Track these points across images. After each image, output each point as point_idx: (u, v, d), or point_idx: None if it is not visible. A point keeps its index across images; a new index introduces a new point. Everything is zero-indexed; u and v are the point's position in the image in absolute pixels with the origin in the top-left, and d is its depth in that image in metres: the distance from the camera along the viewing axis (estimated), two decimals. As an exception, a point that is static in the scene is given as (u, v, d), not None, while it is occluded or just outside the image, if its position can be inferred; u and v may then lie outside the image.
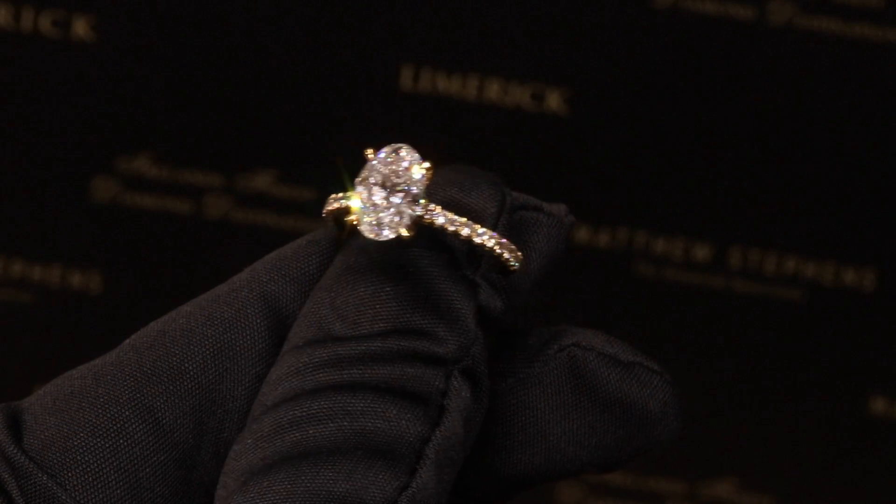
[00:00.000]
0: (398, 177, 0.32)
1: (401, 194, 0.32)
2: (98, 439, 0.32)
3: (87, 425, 0.33)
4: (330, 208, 0.34)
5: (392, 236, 0.32)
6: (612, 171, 0.82)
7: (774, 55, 0.81)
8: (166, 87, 0.82)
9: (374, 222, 0.32)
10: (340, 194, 0.33)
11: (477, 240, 0.32)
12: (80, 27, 0.81)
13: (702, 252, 0.84)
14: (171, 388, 0.33)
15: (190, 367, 0.33)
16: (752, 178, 0.83)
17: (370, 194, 0.32)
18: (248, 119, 0.82)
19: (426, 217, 0.32)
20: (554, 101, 0.82)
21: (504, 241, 0.33)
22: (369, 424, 0.31)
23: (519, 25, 0.81)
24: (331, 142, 0.82)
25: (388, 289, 0.32)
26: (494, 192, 0.34)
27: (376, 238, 0.32)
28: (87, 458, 0.32)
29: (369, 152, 0.33)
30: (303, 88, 0.82)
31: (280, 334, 0.34)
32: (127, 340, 0.34)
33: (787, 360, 0.85)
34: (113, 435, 0.32)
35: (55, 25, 0.81)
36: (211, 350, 0.33)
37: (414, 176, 0.32)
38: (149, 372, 0.33)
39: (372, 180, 0.32)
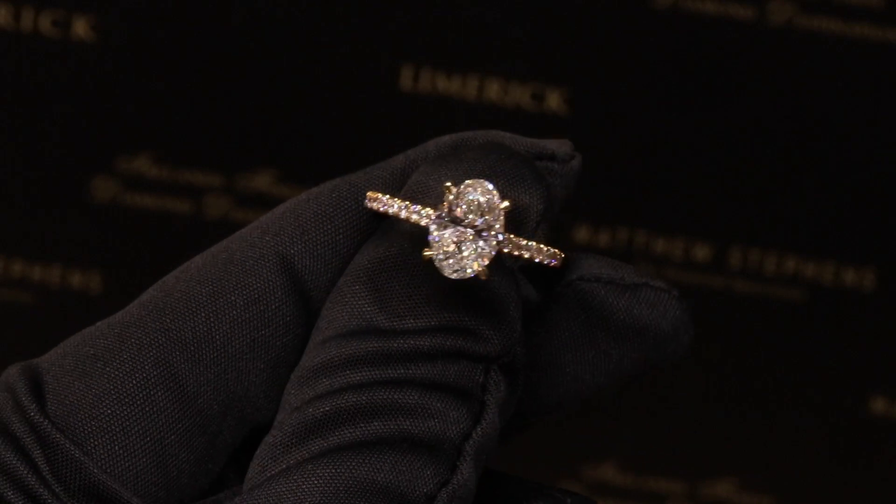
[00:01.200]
0: (477, 214, 0.32)
1: (481, 235, 0.32)
2: (125, 407, 0.32)
3: (113, 392, 0.32)
4: (388, 211, 0.33)
5: (469, 275, 0.32)
6: (612, 171, 0.82)
7: (774, 55, 0.81)
8: (166, 87, 0.82)
9: (453, 263, 0.32)
10: (404, 203, 0.33)
11: (538, 259, 0.33)
12: (80, 27, 0.81)
13: (702, 252, 0.84)
14: (196, 355, 0.33)
15: (217, 336, 0.33)
16: (752, 178, 0.83)
17: (448, 232, 0.32)
18: (248, 119, 0.82)
19: (502, 248, 0.32)
20: (554, 101, 0.82)
21: (555, 252, 0.33)
22: (415, 421, 0.31)
23: (519, 25, 0.81)
24: (331, 142, 0.82)
25: (434, 281, 0.32)
26: (539, 189, 0.33)
27: (455, 277, 0.32)
28: (114, 427, 0.32)
29: (448, 184, 0.32)
30: (303, 88, 0.82)
31: (303, 304, 0.33)
32: (147, 294, 0.34)
33: (787, 360, 0.85)
34: (139, 402, 0.32)
35: (55, 25, 0.81)
36: (238, 319, 0.33)
37: (495, 215, 0.32)
38: (174, 338, 0.33)
39: (451, 216, 0.32)
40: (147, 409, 0.32)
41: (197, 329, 0.33)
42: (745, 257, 0.84)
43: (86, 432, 0.32)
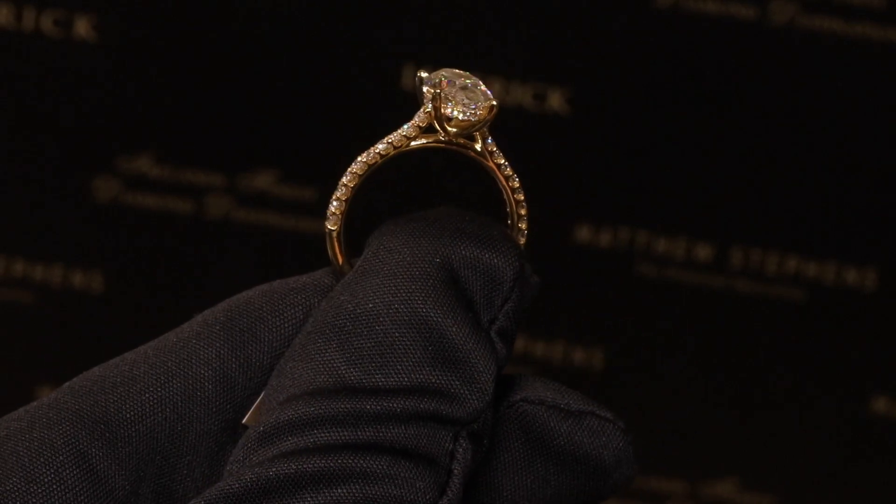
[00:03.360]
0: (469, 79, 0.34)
1: (477, 88, 0.34)
2: (32, 485, 0.32)
3: (20, 470, 0.32)
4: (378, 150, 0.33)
5: (482, 115, 0.33)
6: (614, 170, 0.82)
7: (776, 55, 0.81)
8: (167, 87, 0.82)
9: (460, 104, 0.33)
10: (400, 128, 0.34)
11: (518, 196, 0.34)
12: (82, 27, 0.81)
13: (703, 252, 0.84)
14: (107, 434, 0.32)
15: (128, 414, 0.32)
16: (754, 177, 0.83)
17: (453, 85, 0.34)
18: (248, 119, 0.82)
19: (491, 155, 0.34)
20: (555, 100, 0.82)
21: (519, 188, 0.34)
22: (382, 489, 0.30)
23: (519, 25, 0.81)
24: (331, 142, 0.82)
25: (409, 340, 0.31)
26: (511, 248, 0.33)
27: (467, 118, 0.33)
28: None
29: (421, 74, 0.34)
30: (303, 88, 0.82)
31: (225, 390, 0.33)
32: (67, 383, 0.34)
33: (788, 360, 0.85)
34: (46, 481, 0.32)
35: (57, 25, 0.81)
36: (150, 398, 0.32)
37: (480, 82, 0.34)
38: (85, 417, 0.32)
39: (448, 82, 0.34)
40: (55, 487, 0.32)
41: (108, 408, 0.32)
42: (746, 257, 0.84)
43: None
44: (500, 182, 0.34)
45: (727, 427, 0.86)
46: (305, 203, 0.83)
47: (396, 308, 0.32)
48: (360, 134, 0.82)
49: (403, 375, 0.31)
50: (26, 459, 0.32)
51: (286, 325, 0.33)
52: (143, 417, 0.32)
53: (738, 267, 0.84)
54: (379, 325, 0.32)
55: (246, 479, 0.31)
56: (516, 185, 0.34)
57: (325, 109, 0.82)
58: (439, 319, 0.32)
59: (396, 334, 0.32)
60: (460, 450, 0.31)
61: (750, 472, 0.86)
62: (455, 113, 0.33)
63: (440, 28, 0.81)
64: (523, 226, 0.34)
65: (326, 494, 0.30)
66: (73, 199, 0.82)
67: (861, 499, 0.86)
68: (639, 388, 0.85)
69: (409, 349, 0.31)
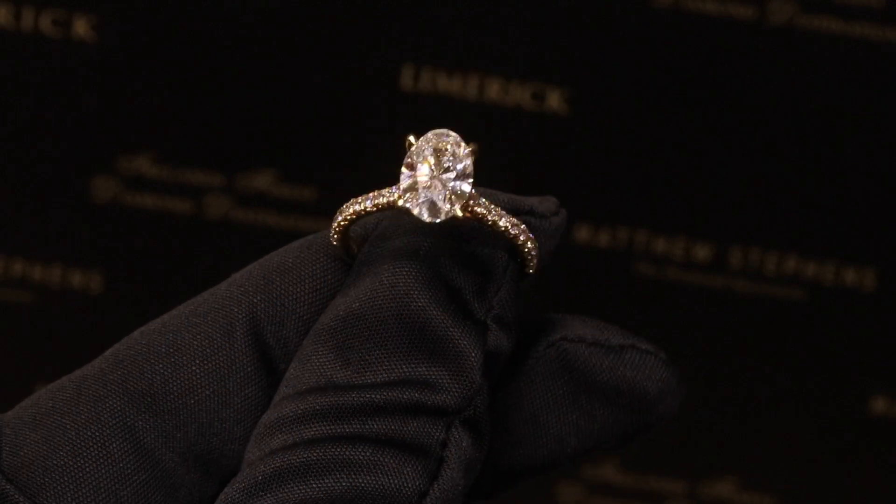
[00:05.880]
0: (446, 155, 0.32)
1: (451, 173, 0.32)
2: (78, 460, 0.32)
3: (67, 445, 0.32)
4: (362, 208, 0.33)
5: (446, 217, 0.32)
6: (613, 170, 0.82)
7: (775, 55, 0.81)
8: (166, 87, 0.82)
9: (426, 202, 0.32)
10: (373, 193, 0.33)
11: (513, 231, 0.32)
12: (81, 27, 0.81)
13: (702, 252, 0.84)
14: (154, 407, 0.32)
15: (174, 388, 0.32)
16: (753, 177, 0.83)
17: (421, 177, 0.32)
18: (248, 119, 0.82)
19: (471, 205, 0.32)
20: (554, 100, 0.82)
21: (519, 224, 0.33)
22: (367, 479, 0.31)
23: (519, 25, 0.81)
24: (331, 142, 0.82)
25: (395, 335, 0.32)
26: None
27: (430, 219, 0.32)
28: (66, 480, 0.32)
29: (411, 138, 0.32)
30: (303, 88, 0.82)
31: (265, 357, 0.33)
32: (111, 349, 0.34)
33: (788, 360, 0.85)
34: (94, 455, 0.32)
35: (56, 25, 0.81)
36: (197, 371, 0.33)
37: (461, 153, 0.32)
38: (132, 390, 0.32)
39: (419, 160, 0.32)
40: (102, 461, 0.32)
41: (154, 381, 0.32)
42: (745, 257, 0.84)
43: (38, 485, 0.32)
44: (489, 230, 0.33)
45: (726, 427, 0.86)
46: (304, 203, 0.83)
47: (381, 305, 0.32)
48: (359, 134, 0.82)
49: (389, 369, 0.31)
50: (73, 433, 0.32)
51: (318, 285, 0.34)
52: (191, 391, 0.32)
53: (738, 267, 0.84)
54: (365, 324, 0.32)
55: (238, 483, 0.31)
56: (498, 226, 0.33)
57: (324, 109, 0.82)
58: (424, 313, 0.32)
59: (382, 330, 0.32)
60: (453, 439, 0.31)
61: (749, 472, 0.86)
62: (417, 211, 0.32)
63: (440, 28, 0.81)
64: (529, 256, 0.33)
65: (313, 485, 0.30)
66: (72, 199, 0.82)
67: (861, 499, 0.86)
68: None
69: (395, 343, 0.32)
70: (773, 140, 0.82)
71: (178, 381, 0.32)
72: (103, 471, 0.32)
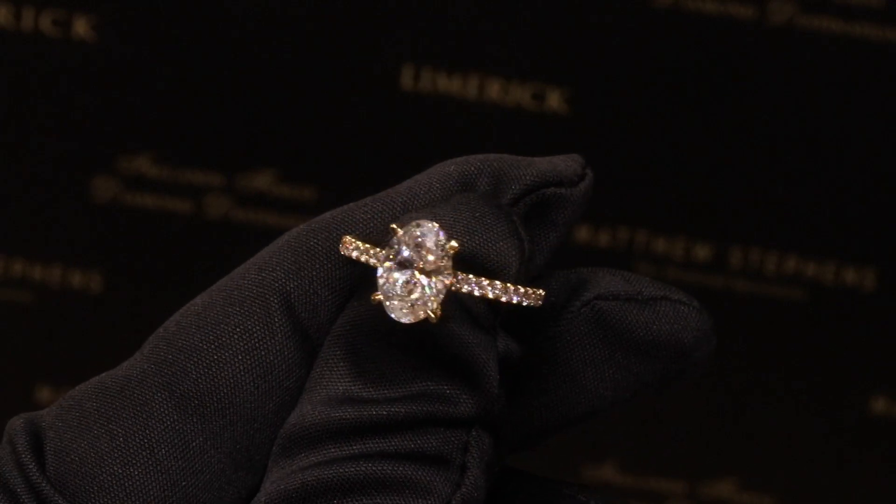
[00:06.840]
0: (424, 255, 0.31)
1: (429, 277, 0.31)
2: (127, 468, 0.32)
3: (115, 452, 0.32)
4: (351, 255, 0.33)
5: (421, 318, 0.31)
6: (613, 170, 0.82)
7: (775, 55, 0.81)
8: (166, 87, 0.82)
9: (402, 306, 0.31)
10: (364, 246, 0.32)
11: (504, 298, 0.32)
12: (81, 27, 0.81)
13: (702, 252, 0.84)
14: (200, 409, 0.32)
15: (220, 388, 0.32)
16: (753, 177, 0.83)
17: (396, 274, 0.31)
18: (248, 119, 0.82)
19: (454, 287, 0.31)
20: (554, 100, 0.82)
21: (527, 291, 0.32)
22: (391, 496, 0.30)
23: (519, 25, 0.81)
24: (331, 142, 0.82)
25: (410, 349, 0.31)
26: (513, 241, 0.33)
27: (406, 321, 0.31)
28: (115, 488, 0.31)
29: (394, 226, 0.31)
30: (303, 88, 0.82)
31: (303, 343, 0.33)
32: (149, 346, 0.33)
33: (788, 360, 0.85)
34: (142, 463, 0.32)
35: (56, 25, 0.81)
36: (240, 368, 0.32)
37: (440, 254, 0.31)
38: (178, 393, 0.32)
39: (398, 258, 0.31)
40: (151, 469, 0.32)
41: (200, 382, 0.32)
42: (745, 257, 0.84)
43: (86, 494, 0.31)
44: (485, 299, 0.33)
45: (726, 427, 0.86)
46: (304, 203, 0.83)
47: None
48: (359, 134, 0.82)
49: (405, 384, 0.31)
50: (121, 440, 0.32)
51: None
52: (236, 389, 0.32)
53: (738, 267, 0.84)
54: (380, 334, 0.32)
55: (263, 500, 0.31)
56: (489, 296, 0.32)
57: (324, 109, 0.82)
58: (438, 325, 0.32)
59: (396, 342, 0.32)
60: (474, 442, 0.31)
61: (749, 472, 0.86)
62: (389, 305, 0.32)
63: (440, 28, 0.81)
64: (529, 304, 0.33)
65: (342, 501, 0.30)
66: (72, 198, 0.82)
67: (860, 499, 0.86)
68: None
69: (410, 356, 0.31)
70: (773, 140, 0.82)
71: (224, 380, 0.32)
72: (152, 478, 0.32)
